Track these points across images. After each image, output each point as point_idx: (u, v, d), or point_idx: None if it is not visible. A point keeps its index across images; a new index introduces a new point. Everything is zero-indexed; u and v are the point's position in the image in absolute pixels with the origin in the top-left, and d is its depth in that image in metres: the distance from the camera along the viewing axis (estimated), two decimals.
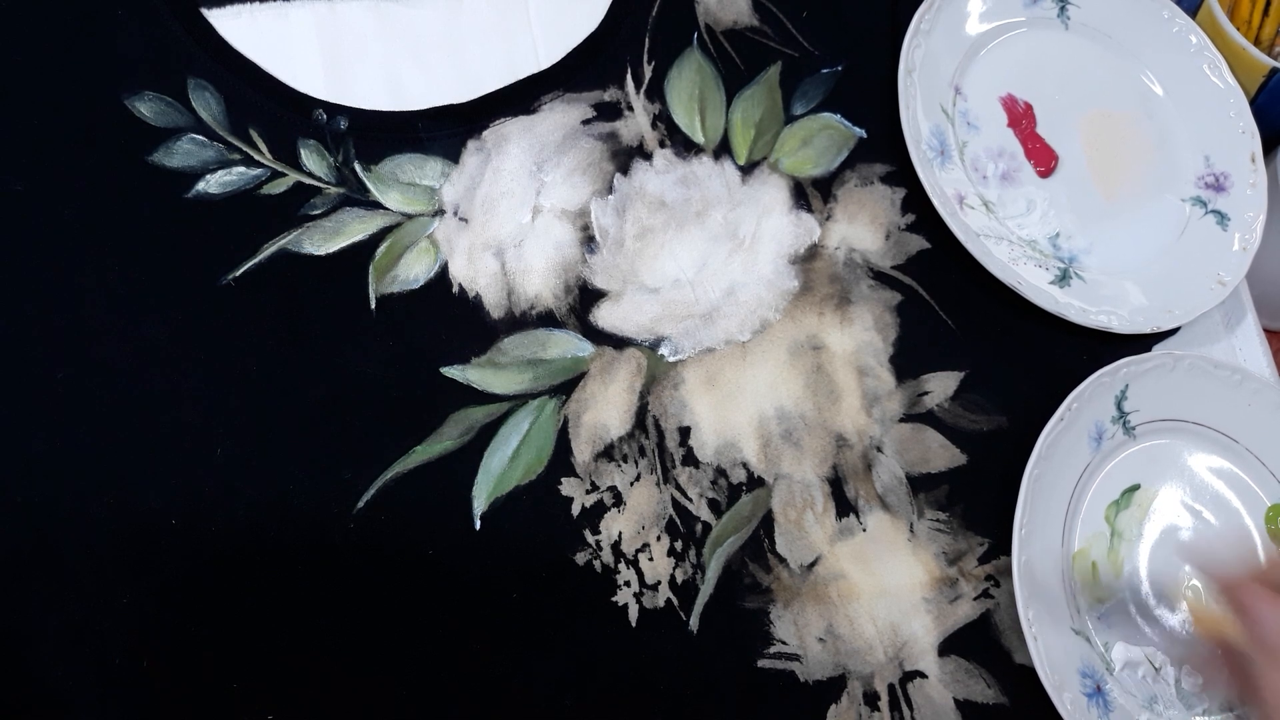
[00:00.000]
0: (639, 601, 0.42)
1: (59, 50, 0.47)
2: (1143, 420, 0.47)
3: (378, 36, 0.50)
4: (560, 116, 0.49)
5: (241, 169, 0.46)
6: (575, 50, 0.50)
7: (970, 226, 0.48)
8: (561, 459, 0.44)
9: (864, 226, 0.49)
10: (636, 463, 0.44)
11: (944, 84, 0.52)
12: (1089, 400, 0.45)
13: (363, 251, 0.46)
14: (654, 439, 0.45)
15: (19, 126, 0.46)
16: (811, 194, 0.49)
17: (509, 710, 0.41)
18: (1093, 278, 0.49)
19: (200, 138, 0.47)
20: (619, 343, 0.46)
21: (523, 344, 0.45)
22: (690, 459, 0.45)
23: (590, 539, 0.43)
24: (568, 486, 0.43)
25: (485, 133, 0.48)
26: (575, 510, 0.43)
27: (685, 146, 0.49)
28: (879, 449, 0.46)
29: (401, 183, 0.47)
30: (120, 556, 0.41)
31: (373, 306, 0.45)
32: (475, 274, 0.46)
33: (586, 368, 0.45)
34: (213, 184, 0.46)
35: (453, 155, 0.48)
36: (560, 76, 0.50)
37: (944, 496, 0.45)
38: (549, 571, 0.42)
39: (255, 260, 0.45)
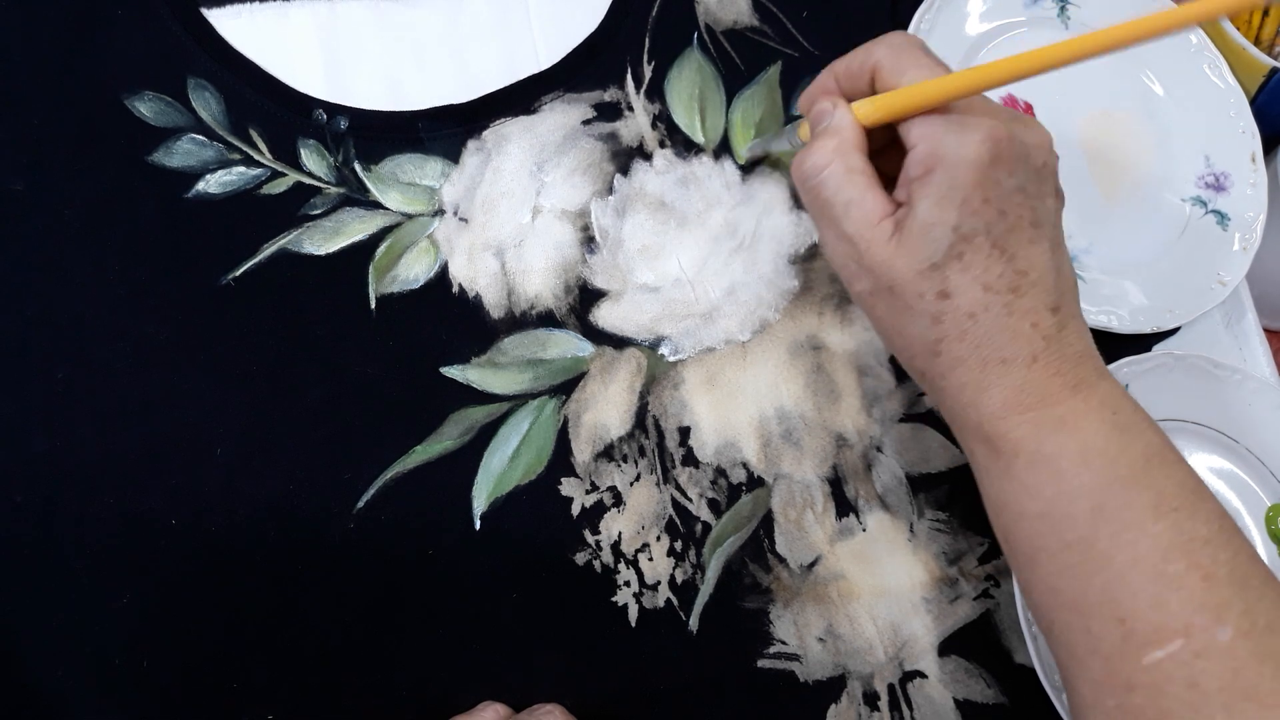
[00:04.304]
0: (639, 601, 0.42)
1: (59, 50, 0.47)
2: None
3: (378, 36, 0.50)
4: (560, 117, 0.49)
5: (241, 169, 0.46)
6: (575, 50, 0.50)
7: None
8: (561, 459, 0.44)
9: None
10: (636, 463, 0.44)
11: None
12: None
13: (363, 251, 0.46)
14: (654, 439, 0.45)
15: (19, 126, 0.46)
16: None
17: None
18: (1093, 278, 0.49)
19: (200, 138, 0.47)
20: (619, 343, 0.46)
21: (523, 344, 0.45)
22: (690, 459, 0.45)
23: (590, 539, 0.43)
24: (568, 486, 0.43)
25: (485, 133, 0.48)
26: (575, 510, 0.43)
27: (685, 147, 0.49)
28: (879, 449, 0.46)
29: (401, 183, 0.47)
30: (120, 556, 0.41)
31: (373, 306, 0.45)
32: (475, 274, 0.46)
33: (586, 368, 0.45)
34: (213, 184, 0.46)
35: (453, 155, 0.48)
36: (560, 76, 0.50)
37: (944, 496, 0.45)
38: (549, 571, 0.42)
39: (255, 260, 0.45)
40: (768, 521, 0.44)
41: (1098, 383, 0.33)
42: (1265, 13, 0.56)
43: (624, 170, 0.49)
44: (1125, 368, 0.46)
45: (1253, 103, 0.53)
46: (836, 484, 0.45)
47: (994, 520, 0.35)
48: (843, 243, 0.34)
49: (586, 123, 0.49)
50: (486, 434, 0.44)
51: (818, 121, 0.36)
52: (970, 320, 0.32)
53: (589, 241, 0.47)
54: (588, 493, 0.44)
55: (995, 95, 0.52)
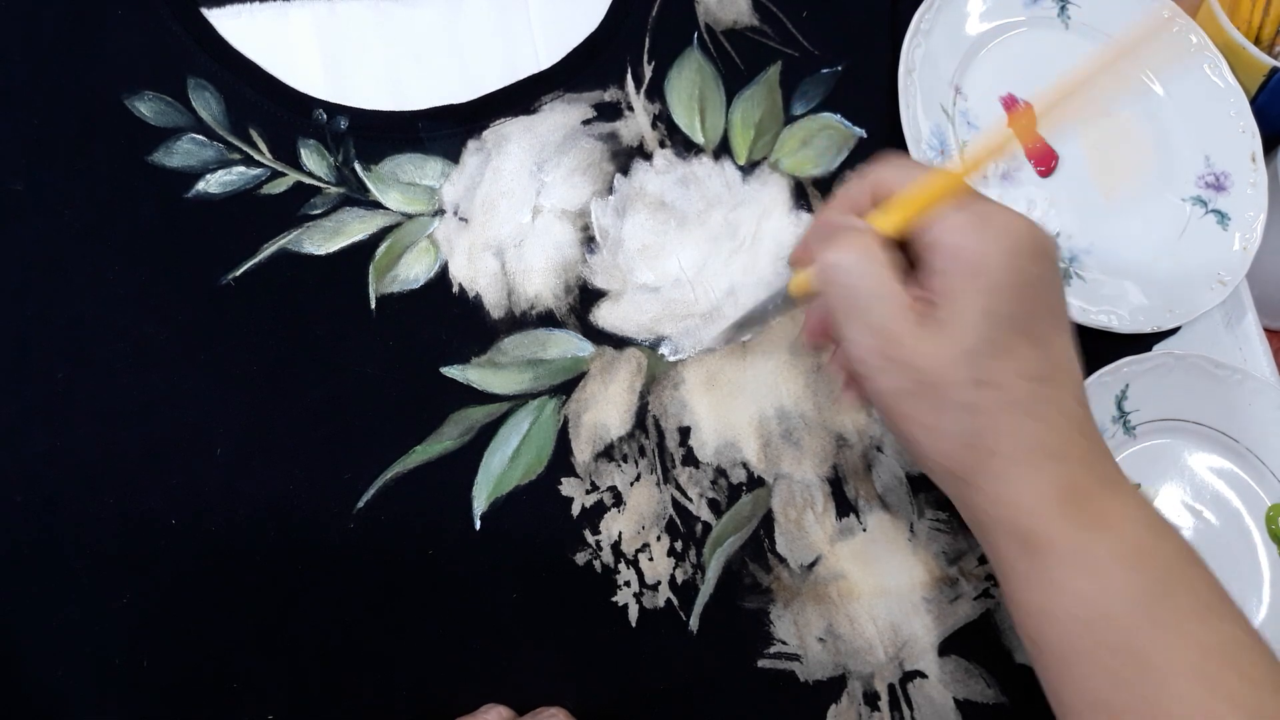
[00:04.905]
0: (639, 601, 0.42)
1: (59, 50, 0.47)
2: (1143, 420, 0.47)
3: (378, 36, 0.50)
4: (560, 116, 0.49)
5: (241, 169, 0.46)
6: (575, 50, 0.50)
7: None
8: (561, 459, 0.44)
9: None
10: (636, 463, 0.44)
11: (944, 83, 0.52)
12: (1089, 400, 0.45)
13: (363, 251, 0.46)
14: (654, 439, 0.45)
15: (19, 126, 0.46)
16: (812, 194, 0.49)
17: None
18: (1093, 278, 0.49)
19: (200, 138, 0.47)
20: (619, 342, 0.46)
21: (523, 344, 0.45)
22: (690, 459, 0.45)
23: (590, 539, 0.43)
24: (568, 486, 0.43)
25: (485, 133, 0.48)
26: (575, 510, 0.43)
27: (685, 147, 0.49)
28: (879, 448, 0.46)
29: (401, 182, 0.47)
30: (120, 556, 0.41)
31: (373, 306, 0.45)
32: (475, 274, 0.46)
33: (586, 368, 0.45)
34: (213, 184, 0.46)
35: (453, 155, 0.48)
36: (560, 76, 0.50)
37: (944, 496, 0.45)
38: (549, 571, 0.42)
39: (255, 260, 0.45)
40: (768, 521, 0.44)
41: (1124, 481, 0.33)
42: (1265, 12, 0.56)
43: (624, 170, 0.49)
44: (1125, 368, 0.46)
45: (1253, 103, 0.53)
46: (836, 484, 0.45)
47: (1023, 625, 0.33)
48: (870, 335, 0.33)
49: (586, 123, 0.49)
50: (486, 434, 0.44)
51: (828, 234, 0.35)
52: (1009, 409, 0.32)
53: (589, 241, 0.47)
54: (588, 493, 0.44)
55: (996, 94, 0.53)
